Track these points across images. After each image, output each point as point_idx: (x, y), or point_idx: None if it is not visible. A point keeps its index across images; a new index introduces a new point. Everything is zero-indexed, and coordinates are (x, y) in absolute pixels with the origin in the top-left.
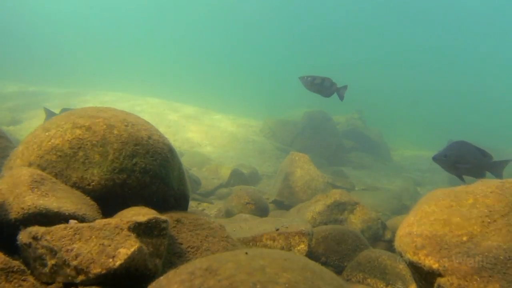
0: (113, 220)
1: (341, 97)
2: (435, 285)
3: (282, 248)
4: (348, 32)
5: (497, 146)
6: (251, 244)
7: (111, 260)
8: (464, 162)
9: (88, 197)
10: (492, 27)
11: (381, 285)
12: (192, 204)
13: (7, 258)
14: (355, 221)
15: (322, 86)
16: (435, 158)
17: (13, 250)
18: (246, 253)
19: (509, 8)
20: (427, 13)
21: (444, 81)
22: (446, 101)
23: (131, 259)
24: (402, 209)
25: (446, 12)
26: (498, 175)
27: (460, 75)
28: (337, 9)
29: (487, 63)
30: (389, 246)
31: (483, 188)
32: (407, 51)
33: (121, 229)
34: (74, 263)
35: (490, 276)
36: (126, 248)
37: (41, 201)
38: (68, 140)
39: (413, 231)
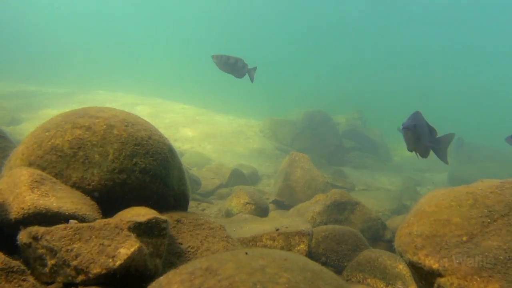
0: (113, 220)
1: (252, 79)
2: (435, 285)
3: (282, 248)
4: (349, 33)
5: (497, 145)
6: (251, 244)
7: (111, 260)
8: (425, 136)
9: (88, 197)
10: (495, 25)
11: (381, 285)
12: (192, 204)
13: (7, 258)
14: (355, 221)
15: (236, 67)
16: (406, 127)
17: (13, 250)
18: (246, 253)
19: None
20: (429, 13)
21: (445, 81)
22: (447, 100)
23: (131, 259)
24: (402, 209)
25: (447, 11)
26: (443, 156)
27: (462, 75)
28: (339, 10)
29: (490, 63)
30: (389, 246)
31: (483, 188)
32: (408, 52)
33: (121, 229)
34: (74, 263)
35: (490, 276)
36: (126, 248)
37: (41, 201)
38: (68, 140)
39: (413, 231)
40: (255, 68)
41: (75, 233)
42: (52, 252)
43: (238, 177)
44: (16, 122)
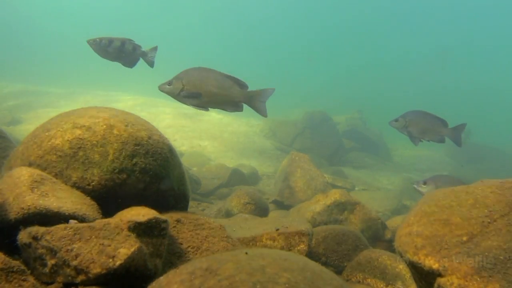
0: (113, 220)
1: (151, 64)
2: (435, 285)
3: (282, 248)
4: (350, 33)
5: (497, 145)
6: (251, 244)
7: (111, 260)
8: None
9: (88, 197)
10: (498, 23)
11: (381, 285)
12: (192, 204)
13: (7, 258)
14: (355, 221)
15: (123, 51)
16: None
17: (13, 250)
18: (246, 253)
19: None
20: (429, 12)
21: (445, 80)
22: (447, 100)
23: (131, 259)
24: (402, 209)
25: (448, 11)
26: (261, 109)
27: (462, 74)
28: (340, 11)
29: (491, 61)
30: (389, 246)
31: (483, 188)
32: (409, 52)
33: (121, 229)
34: (74, 263)
35: (490, 276)
36: (126, 248)
37: (41, 201)
38: (68, 140)
39: (413, 231)
40: (154, 49)
41: (75, 233)
42: (52, 252)
43: (238, 177)
44: (16, 122)
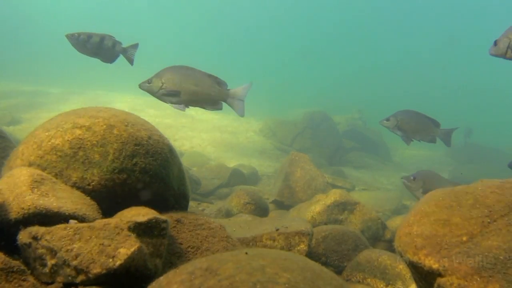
0: (113, 220)
1: (131, 61)
2: (435, 285)
3: (282, 248)
4: (350, 34)
5: (498, 145)
6: (251, 244)
7: (111, 260)
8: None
9: (88, 197)
10: (497, 23)
11: (381, 285)
12: (192, 204)
13: (7, 258)
14: (355, 221)
15: (102, 47)
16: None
17: (13, 250)
18: (246, 253)
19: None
20: (431, 13)
21: (445, 80)
22: (446, 100)
23: (131, 259)
24: (402, 209)
25: (448, 10)
26: (239, 108)
27: (463, 73)
28: (340, 12)
29: (491, 61)
30: (389, 246)
31: (483, 188)
32: (409, 52)
33: (121, 229)
34: (74, 263)
35: (490, 276)
36: (126, 248)
37: (41, 201)
38: (68, 140)
39: (413, 231)
40: (135, 46)
41: (75, 233)
42: (52, 252)
43: (238, 177)
44: (16, 122)
